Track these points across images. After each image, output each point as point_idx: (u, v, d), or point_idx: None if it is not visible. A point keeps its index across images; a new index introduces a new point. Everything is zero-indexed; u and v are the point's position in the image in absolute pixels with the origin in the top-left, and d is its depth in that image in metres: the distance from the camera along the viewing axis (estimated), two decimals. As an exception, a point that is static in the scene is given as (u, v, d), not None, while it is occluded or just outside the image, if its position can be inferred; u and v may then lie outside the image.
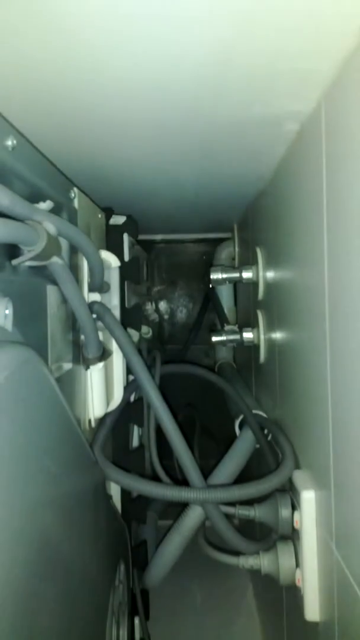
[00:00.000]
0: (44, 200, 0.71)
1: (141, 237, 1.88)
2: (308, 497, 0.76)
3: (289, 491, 0.85)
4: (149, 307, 1.73)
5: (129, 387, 1.09)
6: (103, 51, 0.53)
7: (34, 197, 0.70)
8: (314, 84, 0.62)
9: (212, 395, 1.42)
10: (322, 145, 0.65)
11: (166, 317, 2.09)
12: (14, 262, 0.58)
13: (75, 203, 0.90)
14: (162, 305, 2.08)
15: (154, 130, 0.78)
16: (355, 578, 0.59)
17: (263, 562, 0.86)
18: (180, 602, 1.52)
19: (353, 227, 0.55)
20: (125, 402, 1.06)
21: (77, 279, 0.87)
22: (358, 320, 0.54)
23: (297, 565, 0.80)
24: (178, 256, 2.08)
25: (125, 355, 0.91)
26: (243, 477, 1.05)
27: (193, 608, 1.53)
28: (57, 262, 0.66)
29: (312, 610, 0.75)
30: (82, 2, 0.44)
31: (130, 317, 1.20)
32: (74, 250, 0.83)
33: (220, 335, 1.47)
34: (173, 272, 2.08)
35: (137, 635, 1.12)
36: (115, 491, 1.07)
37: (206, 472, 1.02)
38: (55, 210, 0.79)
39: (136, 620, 1.11)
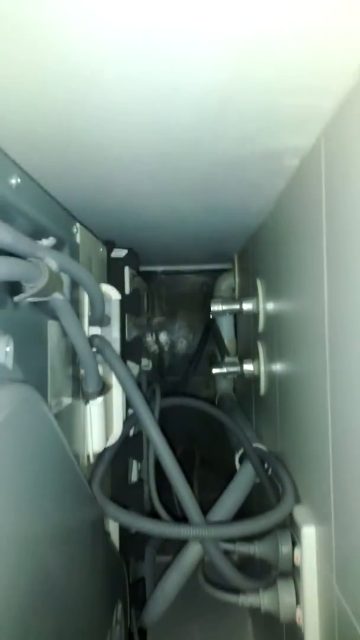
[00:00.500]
0: (46, 236, 0.73)
1: (142, 268, 1.89)
2: (308, 533, 0.75)
3: (290, 527, 0.84)
4: (149, 338, 1.74)
5: (129, 421, 1.09)
6: (105, 90, 0.54)
7: (37, 234, 0.71)
8: (314, 120, 0.63)
9: (213, 426, 1.41)
10: (322, 180, 0.66)
11: (166, 348, 2.09)
12: (16, 298, 0.59)
13: (78, 238, 0.91)
14: (162, 336, 2.09)
15: (156, 165, 0.80)
16: (356, 616, 0.59)
17: (263, 600, 0.85)
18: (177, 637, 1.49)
19: (353, 261, 0.55)
20: (124, 436, 1.06)
21: (78, 313, 0.88)
22: (358, 352, 0.55)
23: (298, 602, 0.79)
24: (178, 287, 2.09)
25: (125, 389, 0.91)
26: (243, 511, 1.04)
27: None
28: (58, 298, 0.67)
29: (314, 650, 0.74)
30: (84, 42, 0.45)
31: (131, 350, 1.20)
32: (75, 284, 0.84)
33: (221, 367, 1.47)
34: (173, 303, 2.09)
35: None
36: (113, 527, 1.06)
37: (206, 504, 1.02)
38: (58, 246, 0.80)
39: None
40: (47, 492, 0.57)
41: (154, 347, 1.80)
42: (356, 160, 0.54)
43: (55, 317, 0.72)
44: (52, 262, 0.64)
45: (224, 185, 0.91)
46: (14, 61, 0.48)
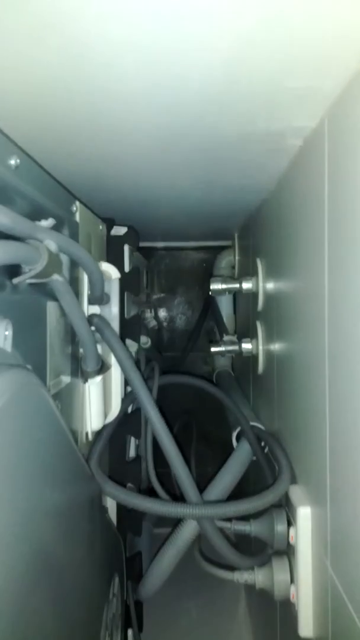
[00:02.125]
0: (45, 217, 0.72)
1: (142, 244, 1.89)
2: (304, 513, 0.76)
3: (285, 506, 0.85)
4: (148, 314, 1.74)
5: (127, 398, 1.10)
6: (106, 66, 0.53)
7: (36, 214, 0.70)
8: (318, 101, 0.62)
9: (211, 403, 1.42)
10: (325, 161, 0.65)
11: (165, 324, 2.09)
12: (15, 280, 0.59)
13: (77, 216, 0.90)
14: (162, 312, 2.09)
15: (157, 143, 0.79)
16: (348, 596, 0.60)
17: (258, 577, 0.87)
18: (173, 615, 1.52)
19: (354, 240, 0.55)
20: (122, 413, 1.07)
21: (77, 292, 0.88)
22: (357, 332, 0.55)
23: (292, 580, 0.81)
24: (178, 263, 2.08)
25: (123, 369, 0.92)
26: (240, 489, 1.06)
27: (186, 620, 1.53)
28: (57, 279, 0.66)
29: (306, 627, 0.75)
30: (87, 16, 0.45)
31: (130, 328, 1.20)
32: (74, 263, 0.84)
33: (219, 345, 1.48)
34: (173, 280, 2.09)
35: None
36: (111, 503, 1.08)
37: (203, 480, 1.03)
38: (57, 225, 0.79)
39: (129, 633, 1.11)
40: (46, 473, 0.58)
41: (153, 323, 1.80)
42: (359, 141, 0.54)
43: (54, 298, 0.72)
44: (51, 244, 0.64)
45: (226, 163, 0.90)
46: (13, 37, 0.48)
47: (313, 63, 0.53)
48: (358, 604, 0.57)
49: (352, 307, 0.56)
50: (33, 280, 0.61)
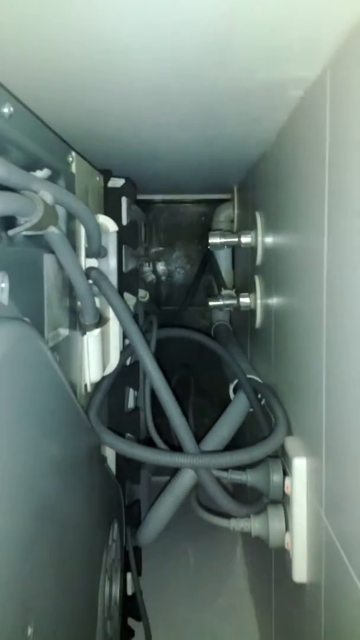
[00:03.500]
0: (41, 168, 0.71)
1: (140, 197, 1.86)
2: (299, 464, 0.77)
3: (281, 457, 0.87)
4: (147, 268, 1.73)
5: (125, 351, 1.10)
6: (102, 12, 0.52)
7: (31, 165, 0.69)
8: (320, 52, 0.60)
9: (208, 356, 1.43)
10: (326, 112, 0.64)
11: (164, 278, 2.08)
12: (10, 232, 0.58)
13: (73, 167, 0.89)
14: (160, 266, 2.08)
15: (155, 96, 0.77)
16: (341, 543, 0.61)
17: (254, 524, 0.89)
18: (171, 560, 1.57)
19: (355, 192, 0.55)
20: (121, 365, 1.07)
21: (75, 245, 0.87)
22: (356, 285, 0.55)
23: (287, 529, 0.83)
24: (176, 217, 2.06)
25: (120, 322, 0.92)
26: (237, 440, 1.07)
27: (184, 566, 1.58)
28: (53, 232, 0.66)
29: (300, 572, 0.77)
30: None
31: (128, 282, 1.20)
32: (71, 216, 0.83)
33: (217, 299, 1.48)
34: (171, 233, 2.07)
35: (129, 590, 1.16)
36: (110, 452, 1.09)
37: (201, 431, 1.04)
38: (53, 176, 0.78)
39: (128, 576, 1.15)
40: (45, 423, 0.59)
41: (151, 277, 1.80)
42: None
43: (51, 250, 0.71)
44: (47, 195, 0.63)
45: (225, 117, 0.89)
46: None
47: (314, 12, 0.51)
48: (350, 550, 0.58)
49: (352, 263, 0.56)
50: (29, 233, 0.61)
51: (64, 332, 0.81)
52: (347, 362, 0.58)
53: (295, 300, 0.85)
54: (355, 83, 0.55)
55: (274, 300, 1.05)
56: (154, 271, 2.02)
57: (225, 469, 0.91)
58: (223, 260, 1.85)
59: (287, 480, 0.80)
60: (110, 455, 1.11)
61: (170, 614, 1.37)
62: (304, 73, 0.67)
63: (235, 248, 1.76)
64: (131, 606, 1.16)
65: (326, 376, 0.66)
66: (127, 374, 1.18)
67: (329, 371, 0.65)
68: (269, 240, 1.11)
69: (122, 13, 0.51)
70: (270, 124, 0.91)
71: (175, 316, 2.00)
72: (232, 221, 1.81)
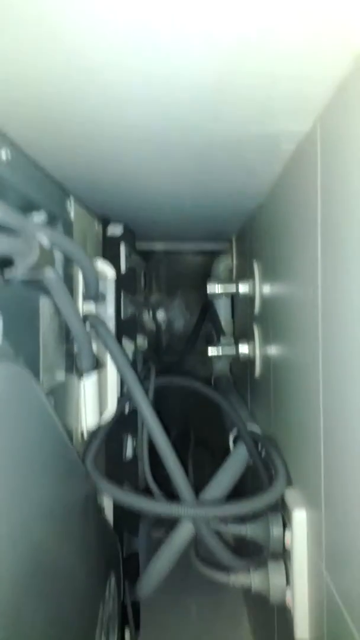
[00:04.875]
0: (38, 211, 0.71)
1: (140, 246, 1.88)
2: (299, 517, 0.75)
3: (281, 509, 0.84)
4: (147, 317, 1.73)
5: (123, 398, 1.09)
6: (100, 66, 0.53)
7: (28, 209, 0.70)
8: (310, 106, 0.62)
9: (208, 407, 1.41)
10: (318, 165, 0.65)
11: (164, 327, 2.08)
12: (6, 275, 0.58)
13: (71, 214, 0.90)
14: (160, 315, 2.08)
15: (152, 146, 0.78)
16: (343, 600, 0.59)
17: (254, 580, 0.85)
18: (172, 616, 1.51)
19: (346, 246, 0.55)
20: (119, 413, 1.06)
21: (72, 289, 0.87)
22: (350, 338, 0.54)
23: (288, 584, 0.80)
24: (176, 266, 2.07)
25: (117, 367, 0.91)
26: (238, 492, 1.05)
27: (185, 621, 1.52)
28: (50, 274, 0.66)
29: (302, 630, 0.74)
30: (80, 17, 0.44)
31: (126, 328, 1.19)
32: (69, 261, 0.83)
33: (216, 348, 1.47)
34: (171, 283, 2.08)
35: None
36: (107, 503, 1.07)
37: (202, 484, 1.02)
38: (51, 221, 0.79)
39: (127, 632, 1.10)
40: (38, 467, 0.57)
41: (151, 326, 1.79)
42: (351, 147, 0.53)
43: (47, 293, 0.71)
44: (43, 238, 0.63)
45: (221, 168, 0.90)
46: (6, 35, 0.47)
47: (302, 69, 0.53)
48: (351, 608, 0.56)
49: (345, 313, 0.56)
50: (24, 276, 0.61)
51: (60, 375, 0.80)
52: (344, 412, 0.57)
53: (292, 350, 0.85)
54: (343, 137, 0.56)
55: (272, 350, 1.04)
56: (154, 320, 2.02)
57: (224, 521, 0.88)
58: (223, 310, 1.86)
59: (287, 534, 0.78)
60: (108, 506, 1.08)
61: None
62: (294, 127, 0.69)
63: (234, 298, 1.77)
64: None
65: (323, 426, 0.65)
66: (126, 422, 1.16)
67: (326, 421, 0.64)
68: (266, 289, 1.11)
69: (119, 66, 0.52)
70: (265, 176, 0.92)
71: (176, 365, 1.99)
72: (231, 271, 1.82)
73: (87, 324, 0.89)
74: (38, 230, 0.63)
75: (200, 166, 0.89)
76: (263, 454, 1.04)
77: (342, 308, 0.56)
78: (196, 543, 0.99)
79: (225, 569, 0.90)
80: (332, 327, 0.61)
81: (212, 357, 1.52)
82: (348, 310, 0.55)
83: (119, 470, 1.15)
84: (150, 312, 1.96)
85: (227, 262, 1.86)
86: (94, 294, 0.91)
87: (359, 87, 0.51)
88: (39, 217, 0.70)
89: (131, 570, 1.16)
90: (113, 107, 0.63)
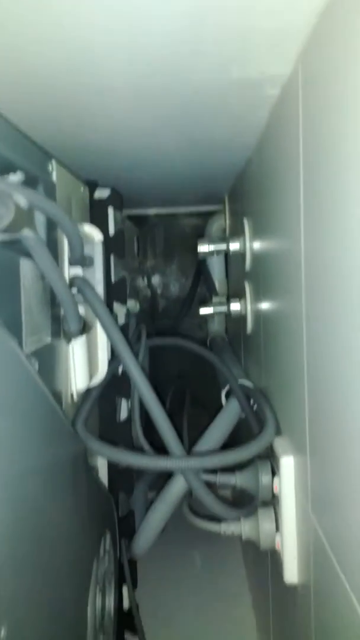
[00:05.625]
0: (14, 173, 0.71)
1: (132, 212, 1.87)
2: (287, 463, 0.76)
3: (270, 457, 0.86)
4: (140, 282, 1.73)
5: (115, 360, 1.10)
6: (71, 10, 0.52)
7: (5, 171, 0.70)
8: (290, 44, 0.60)
9: (203, 366, 1.43)
10: (299, 110, 0.63)
11: (159, 292, 2.08)
12: (-19, 236, 0.58)
13: (54, 176, 0.89)
14: (156, 279, 2.08)
15: (133, 97, 0.77)
16: (328, 540, 0.60)
17: (244, 527, 0.88)
18: (169, 570, 1.55)
19: (327, 197, 0.54)
20: (111, 375, 1.07)
21: (57, 253, 0.87)
22: (330, 288, 0.54)
23: (277, 530, 0.82)
24: (170, 230, 2.07)
25: (105, 330, 0.91)
26: (232, 446, 1.06)
27: (183, 575, 1.56)
28: (28, 235, 0.66)
29: (291, 573, 0.76)
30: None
31: (116, 292, 1.20)
32: (53, 224, 0.83)
33: (208, 307, 1.48)
34: (166, 247, 2.08)
35: (126, 603, 1.14)
36: (102, 463, 1.09)
37: (197, 441, 1.04)
38: (31, 184, 0.79)
39: (125, 589, 1.13)
40: (20, 429, 0.58)
41: (146, 291, 1.80)
42: (330, 89, 0.52)
43: (29, 256, 0.71)
44: (20, 198, 0.64)
45: (206, 118, 0.89)
46: None
47: (281, 2, 0.51)
48: (337, 547, 0.57)
49: (326, 266, 0.55)
50: (1, 237, 0.61)
51: (46, 338, 0.81)
52: (324, 362, 0.58)
53: (278, 304, 0.85)
54: (323, 79, 0.54)
55: (262, 306, 1.05)
56: (149, 285, 2.03)
57: (214, 472, 0.90)
58: (216, 269, 1.86)
59: (276, 480, 0.79)
60: (102, 466, 1.10)
61: (168, 623, 1.35)
62: (276, 68, 0.67)
63: (228, 257, 1.77)
64: (128, 619, 1.15)
65: (307, 375, 0.66)
66: (119, 384, 1.17)
67: (309, 371, 0.65)
68: (256, 245, 1.11)
69: (92, 9, 0.52)
70: (252, 124, 0.91)
71: (172, 328, 2.00)
72: (225, 231, 1.81)
73: (75, 288, 0.90)
74: (14, 190, 0.63)
75: (186, 117, 0.88)
76: (255, 407, 1.06)
77: (323, 259, 0.56)
78: (190, 497, 1.02)
79: (217, 519, 0.93)
80: (314, 279, 0.61)
81: (207, 318, 1.53)
82: (329, 260, 0.54)
83: (113, 432, 1.17)
84: (145, 278, 1.96)
85: (220, 222, 1.86)
86: (79, 257, 0.91)
87: (336, 27, 0.50)
88: (15, 177, 0.69)
89: (128, 529, 1.19)
90: (85, 55, 0.62)
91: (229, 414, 1.07)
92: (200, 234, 1.98)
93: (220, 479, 0.89)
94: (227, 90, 0.76)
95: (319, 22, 0.54)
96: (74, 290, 0.89)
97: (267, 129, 0.90)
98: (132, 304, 1.37)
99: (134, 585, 1.17)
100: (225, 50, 0.63)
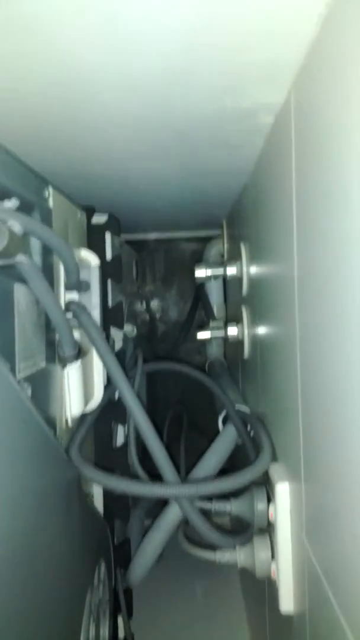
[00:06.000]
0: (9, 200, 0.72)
1: (131, 237, 1.88)
2: (282, 489, 0.75)
3: (266, 484, 0.85)
4: (139, 306, 1.73)
5: (111, 386, 1.09)
6: (68, 45, 0.53)
7: (1, 197, 0.70)
8: (282, 73, 0.61)
9: (203, 391, 1.42)
10: (292, 137, 0.64)
11: (158, 316, 2.09)
12: (-26, 262, 0.59)
13: (50, 202, 0.90)
14: (155, 304, 2.08)
15: (129, 127, 0.78)
16: (322, 569, 0.59)
17: (240, 556, 0.86)
18: (166, 601, 1.52)
19: (319, 223, 0.55)
20: (107, 400, 1.07)
21: (53, 279, 0.88)
22: (322, 314, 0.55)
23: (273, 558, 0.80)
24: (170, 255, 2.08)
25: (99, 355, 0.91)
26: (230, 471, 1.05)
27: (180, 604, 1.53)
28: (22, 260, 0.66)
29: (287, 603, 0.75)
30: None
31: (113, 316, 1.20)
32: (49, 249, 0.83)
33: (206, 331, 1.48)
34: (165, 271, 2.09)
35: (121, 634, 1.12)
36: (97, 491, 1.08)
37: (193, 467, 1.03)
38: (27, 210, 0.79)
39: (120, 619, 1.11)
40: (11, 456, 0.58)
41: (144, 316, 1.80)
42: (322, 118, 0.53)
43: (23, 281, 0.71)
44: (14, 224, 0.64)
45: (202, 146, 0.90)
46: None
47: (272, 35, 0.53)
48: (330, 577, 0.57)
49: (319, 292, 0.56)
50: (-4, 262, 0.62)
51: (40, 363, 0.81)
52: (318, 388, 0.58)
53: (273, 329, 0.85)
54: (315, 108, 0.55)
55: (258, 330, 1.05)
56: (148, 309, 2.03)
57: (210, 499, 0.89)
58: (215, 294, 1.86)
59: (271, 507, 0.78)
60: (98, 494, 1.09)
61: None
62: (269, 97, 0.68)
63: (226, 281, 1.77)
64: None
65: (301, 401, 0.66)
66: (115, 409, 1.17)
67: (304, 398, 0.65)
68: (252, 270, 1.11)
69: (83, 35, 0.52)
70: (247, 151, 0.92)
71: (171, 353, 1.99)
72: (223, 255, 1.82)
73: (71, 313, 0.90)
74: (8, 216, 0.63)
75: (183, 145, 0.89)
76: (252, 433, 1.05)
77: (316, 283, 0.56)
78: (185, 525, 1.00)
79: (212, 547, 0.91)
80: (307, 304, 0.61)
81: (206, 342, 1.53)
82: (322, 285, 0.54)
83: (109, 458, 1.16)
84: (144, 302, 1.96)
85: (218, 247, 1.87)
86: (75, 282, 0.91)
87: (327, 55, 0.50)
88: (10, 204, 0.70)
89: (123, 557, 1.17)
90: (81, 86, 0.63)
91: (226, 440, 1.07)
92: (199, 259, 1.98)
93: (215, 506, 0.88)
94: (222, 120, 0.77)
95: (310, 52, 0.55)
96: (70, 315, 0.89)
97: (262, 156, 0.91)
98: (129, 329, 1.37)
99: (129, 614, 1.15)
100: (219, 83, 0.64)
